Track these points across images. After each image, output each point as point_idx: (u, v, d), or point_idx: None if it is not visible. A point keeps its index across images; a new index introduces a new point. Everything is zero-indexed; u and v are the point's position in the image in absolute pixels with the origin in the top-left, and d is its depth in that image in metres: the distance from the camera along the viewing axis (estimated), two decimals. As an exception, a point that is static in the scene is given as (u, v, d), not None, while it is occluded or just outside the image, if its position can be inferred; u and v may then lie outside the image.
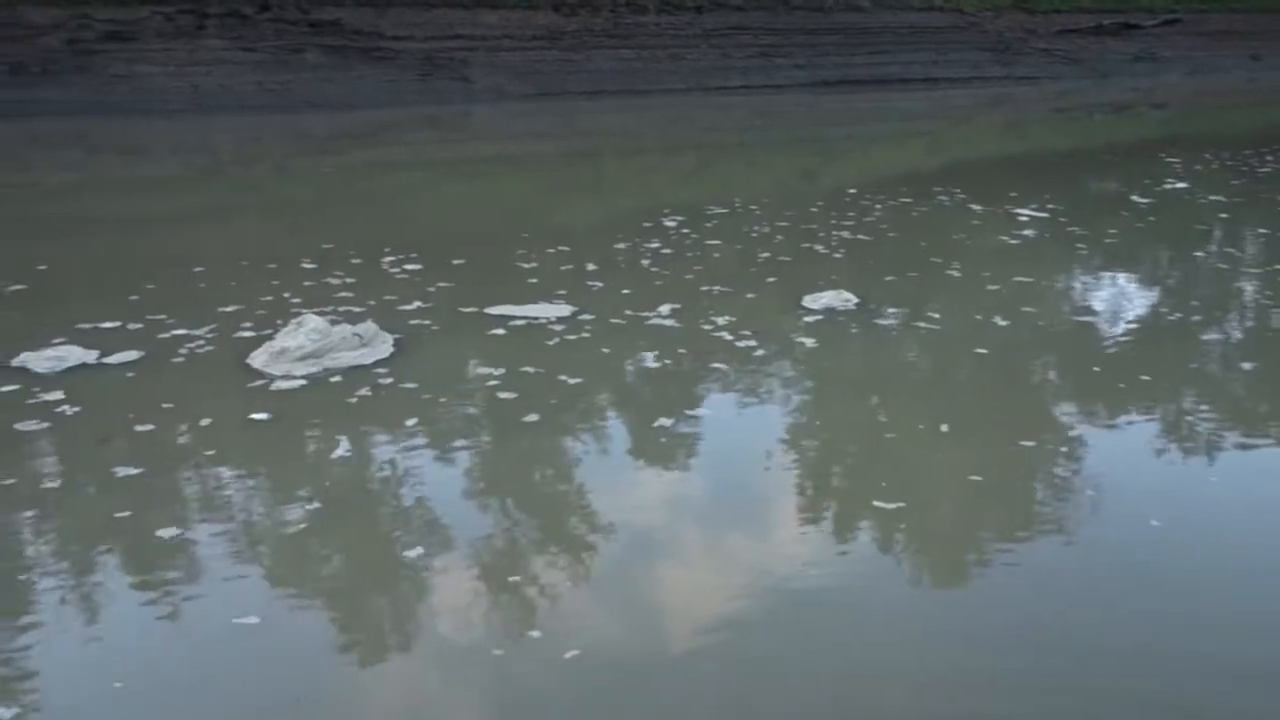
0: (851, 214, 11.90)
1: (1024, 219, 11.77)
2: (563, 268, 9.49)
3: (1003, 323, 7.92)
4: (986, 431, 5.97)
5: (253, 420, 5.86)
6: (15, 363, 6.76)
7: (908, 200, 12.80)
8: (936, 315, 8.02)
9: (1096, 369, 7.01)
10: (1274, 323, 8.37)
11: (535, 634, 3.92)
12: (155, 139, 22.61)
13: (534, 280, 9.00)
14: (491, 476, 5.43)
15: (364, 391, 6.32)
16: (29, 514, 4.81)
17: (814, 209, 12.29)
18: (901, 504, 4.95)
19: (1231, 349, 7.62)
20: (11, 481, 5.02)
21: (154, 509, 4.83)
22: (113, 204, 14.27)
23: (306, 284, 8.87)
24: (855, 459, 5.74)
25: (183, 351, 7.09)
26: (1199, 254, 10.92)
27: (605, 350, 7.21)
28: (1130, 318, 8.50)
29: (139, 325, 7.64)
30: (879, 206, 12.39)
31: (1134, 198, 13.32)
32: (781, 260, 9.84)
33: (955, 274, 9.38)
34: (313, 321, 7.36)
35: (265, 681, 3.69)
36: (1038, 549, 4.68)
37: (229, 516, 4.83)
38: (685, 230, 11.02)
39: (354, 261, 9.61)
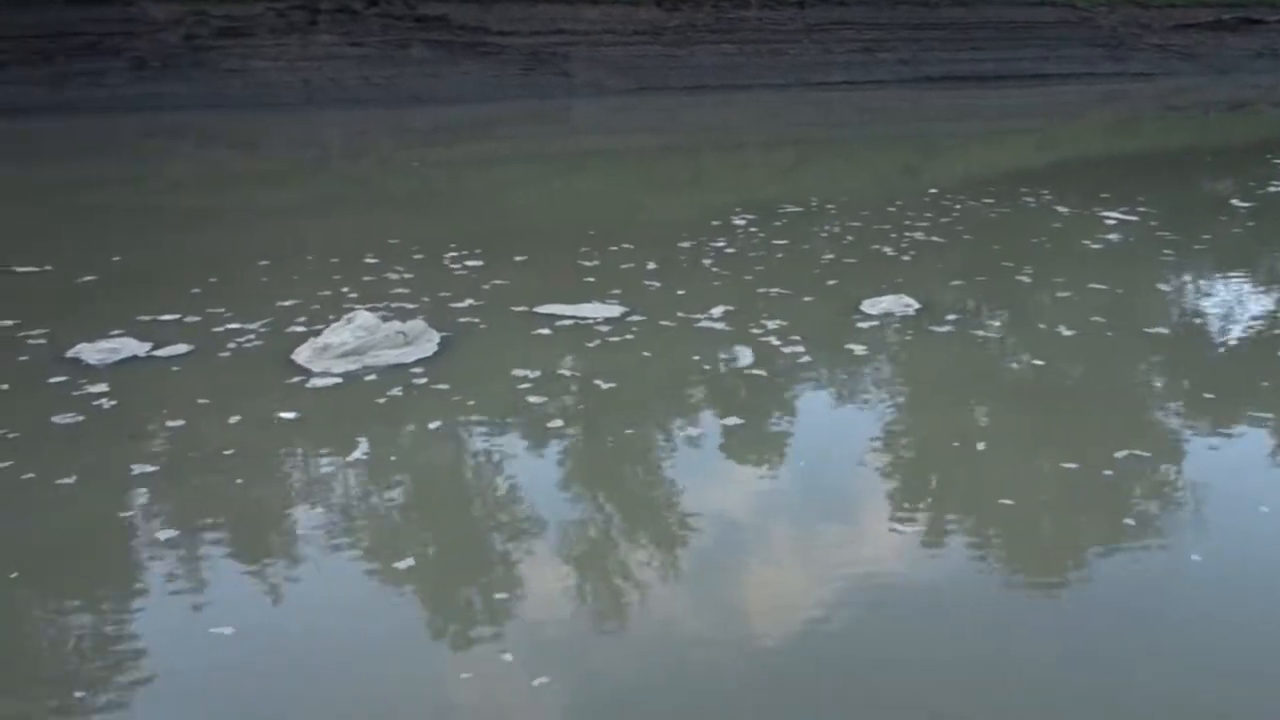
0: (929, 215, 11.57)
1: (1111, 222, 11.28)
2: (623, 266, 9.41)
3: (1067, 333, 7.56)
4: (1019, 448, 5.69)
5: (279, 419, 5.90)
6: (70, 353, 6.96)
7: (990, 201, 12.39)
8: (996, 323, 7.73)
9: (1157, 384, 6.59)
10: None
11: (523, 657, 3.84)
12: (266, 133, 23.25)
13: (591, 279, 8.94)
14: (504, 482, 5.36)
15: (395, 392, 6.32)
16: (33, 512, 4.88)
17: (891, 209, 11.98)
18: (920, 527, 4.75)
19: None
20: (30, 476, 5.13)
21: (158, 511, 4.86)
22: (217, 197, 14.72)
23: (366, 279, 8.96)
24: (875, 470, 5.51)
25: (231, 346, 7.21)
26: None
27: (646, 354, 7.10)
28: (1209, 331, 7.99)
29: (196, 318, 7.81)
30: (959, 207, 12.02)
31: (1234, 201, 12.68)
32: (846, 262, 9.61)
33: (1025, 280, 9.01)
34: (361, 318, 7.41)
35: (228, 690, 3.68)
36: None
37: (230, 521, 4.82)
38: (753, 229, 10.84)
39: (416, 257, 9.69)
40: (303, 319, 7.76)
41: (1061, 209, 12.15)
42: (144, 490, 5.06)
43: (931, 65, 30.95)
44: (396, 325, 7.35)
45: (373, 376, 6.58)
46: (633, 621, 4.06)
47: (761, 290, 8.61)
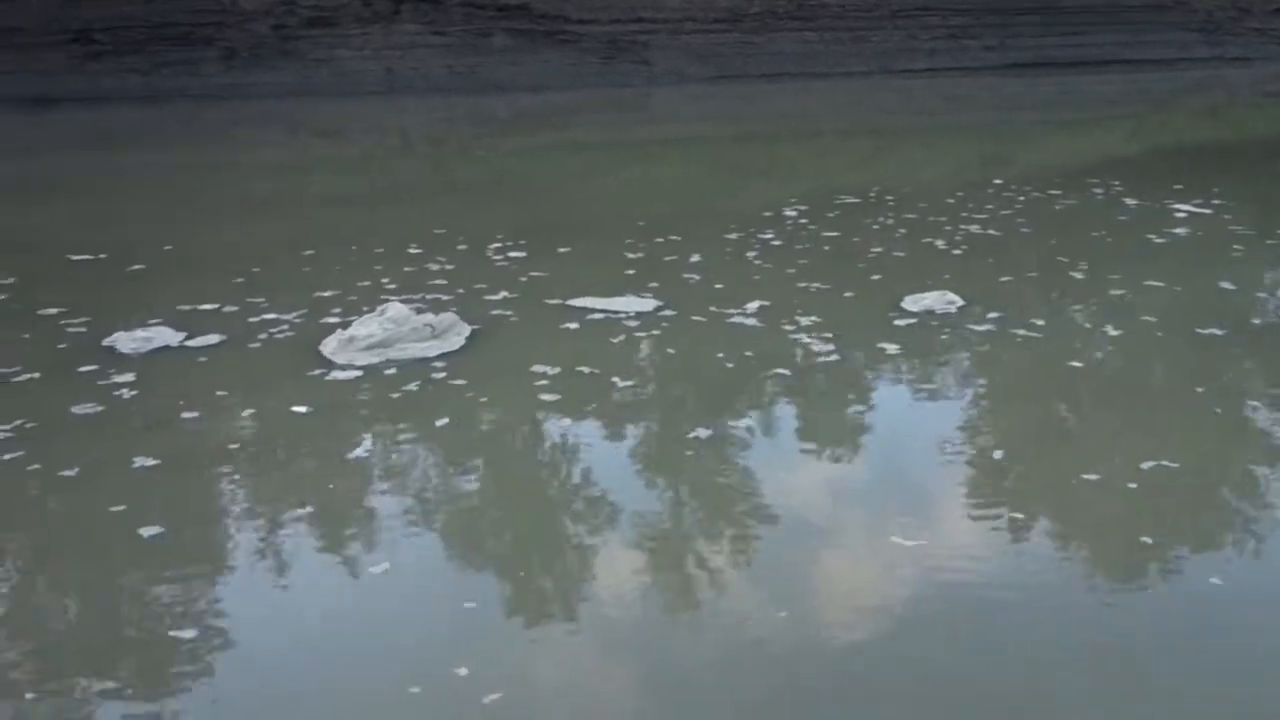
0: (989, 206, 11.23)
1: (1181, 215, 10.81)
2: (666, 258, 9.31)
3: (1114, 332, 7.24)
4: (1038, 457, 5.47)
5: (292, 413, 5.92)
6: (106, 342, 7.09)
7: (1056, 192, 11.98)
8: (1041, 322, 7.40)
9: (1199, 390, 6.21)
10: None
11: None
12: (351, 121, 23.59)
13: (631, 271, 8.85)
14: (504, 482, 5.32)
15: (411, 387, 6.30)
16: (30, 504, 4.95)
17: (950, 200, 11.66)
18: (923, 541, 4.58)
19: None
20: (36, 467, 5.21)
21: (148, 506, 4.85)
22: (284, 184, 14.97)
23: (407, 269, 9.00)
24: (875, 470, 5.34)
25: (262, 336, 7.28)
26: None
27: (670, 351, 6.98)
28: (1267, 336, 7.33)
29: (234, 308, 7.90)
30: (1021, 199, 11.65)
31: (1320, 194, 12.09)
32: (895, 256, 9.37)
33: (1079, 276, 8.65)
34: (393, 309, 7.42)
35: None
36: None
37: (224, 517, 4.85)
38: (804, 221, 10.64)
39: (460, 248, 9.70)
40: (338, 310, 7.81)
41: (1130, 201, 11.68)
42: (140, 485, 5.08)
43: (1020, 51, 30.14)
44: (427, 318, 7.34)
45: (393, 370, 6.58)
46: (632, 621, 3.98)
47: (802, 285, 8.43)
